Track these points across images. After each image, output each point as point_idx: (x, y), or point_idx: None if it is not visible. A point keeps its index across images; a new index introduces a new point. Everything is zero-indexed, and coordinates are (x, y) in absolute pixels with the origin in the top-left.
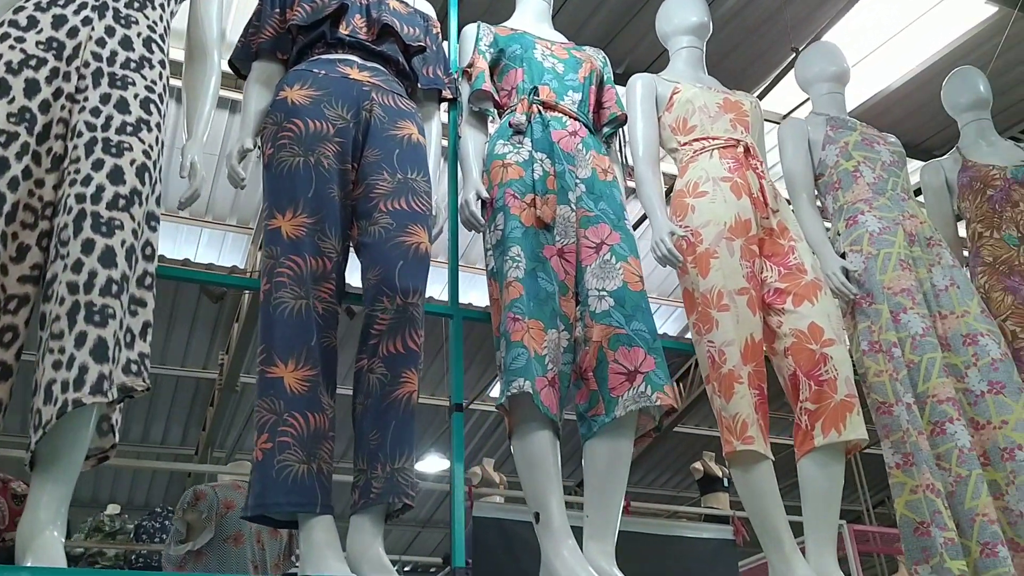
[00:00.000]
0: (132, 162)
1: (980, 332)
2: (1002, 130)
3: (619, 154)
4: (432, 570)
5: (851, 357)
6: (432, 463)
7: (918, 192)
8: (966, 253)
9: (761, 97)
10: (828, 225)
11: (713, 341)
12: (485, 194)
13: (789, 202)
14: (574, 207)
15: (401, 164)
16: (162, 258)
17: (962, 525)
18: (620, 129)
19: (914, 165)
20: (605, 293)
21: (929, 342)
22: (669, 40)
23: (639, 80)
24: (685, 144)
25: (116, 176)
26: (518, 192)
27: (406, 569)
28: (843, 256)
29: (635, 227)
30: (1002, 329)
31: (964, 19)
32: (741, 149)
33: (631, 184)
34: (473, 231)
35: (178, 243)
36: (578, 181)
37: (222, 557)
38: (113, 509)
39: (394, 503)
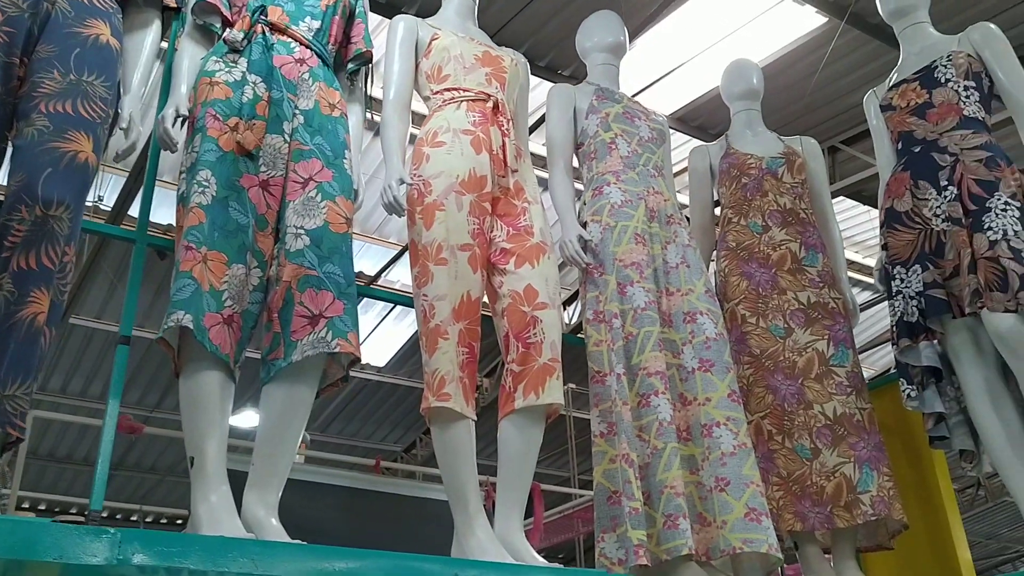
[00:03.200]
0: None
1: (700, 311)
2: (826, 138)
3: (363, 93)
4: (179, 521)
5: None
6: (247, 418)
7: None
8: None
9: None
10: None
11: (427, 295)
12: (184, 111)
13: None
14: (288, 138)
15: (78, 64)
16: None
17: (652, 496)
18: (367, 67)
19: None
20: (303, 231)
21: (649, 316)
22: None
23: (401, 22)
24: (436, 92)
25: None
26: (220, 113)
27: (148, 520)
28: (585, 226)
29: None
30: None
31: (794, 27)
32: (491, 104)
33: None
34: (168, 151)
35: None
36: (297, 112)
37: None
38: None
39: (6, 435)
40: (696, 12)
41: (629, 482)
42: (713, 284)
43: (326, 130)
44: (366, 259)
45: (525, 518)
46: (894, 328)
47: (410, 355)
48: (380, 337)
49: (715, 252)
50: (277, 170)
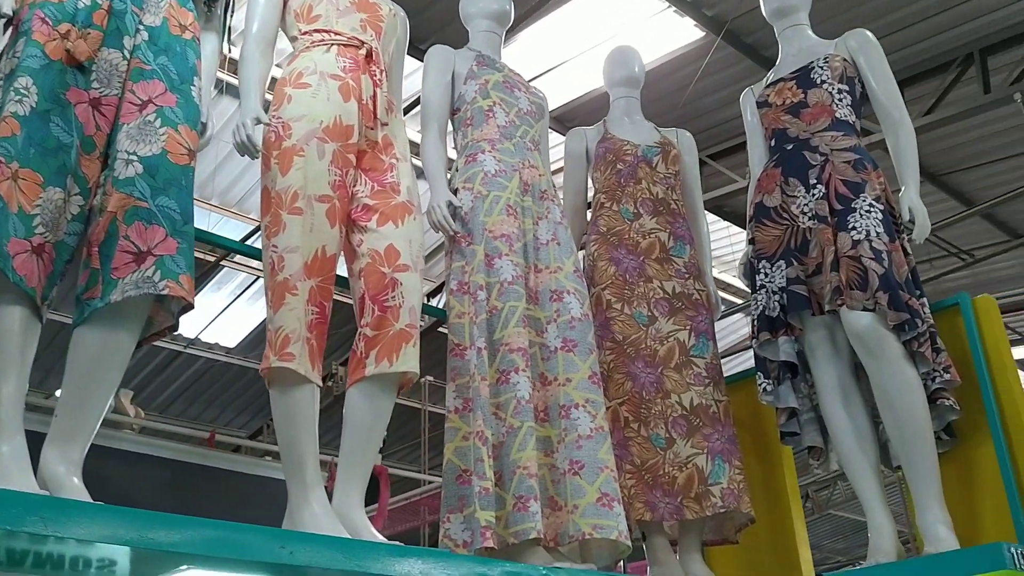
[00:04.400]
0: None
1: (567, 290)
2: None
3: (222, 24)
4: None
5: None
6: None
7: None
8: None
9: None
10: None
11: (276, 246)
12: (8, 11)
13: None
14: (128, 55)
15: None
16: None
17: (504, 476)
18: None
19: None
20: (136, 158)
21: (515, 291)
22: None
23: None
24: (305, 33)
25: None
26: (50, 17)
27: None
28: (455, 193)
29: None
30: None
31: (673, 38)
32: (364, 52)
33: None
34: None
35: None
36: (141, 27)
37: None
38: None
39: None
40: (577, 13)
41: (481, 460)
42: (582, 265)
43: (173, 51)
44: (223, 233)
45: (368, 504)
46: (755, 321)
47: (262, 338)
48: (231, 317)
49: (585, 236)
50: (112, 88)
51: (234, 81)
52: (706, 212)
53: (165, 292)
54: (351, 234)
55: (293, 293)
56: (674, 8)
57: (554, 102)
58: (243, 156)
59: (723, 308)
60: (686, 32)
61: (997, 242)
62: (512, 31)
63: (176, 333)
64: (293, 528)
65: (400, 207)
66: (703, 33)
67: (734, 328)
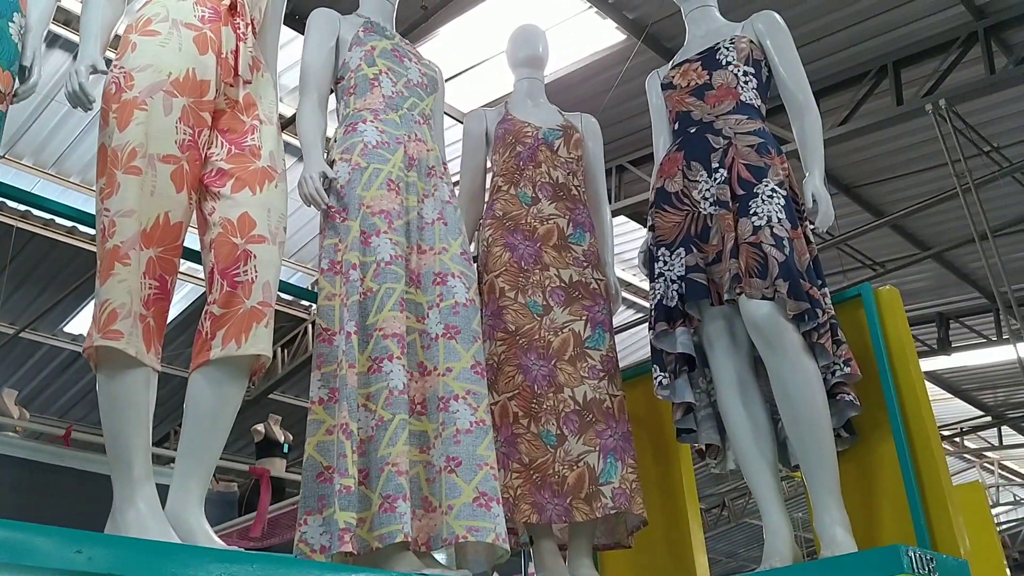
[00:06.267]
0: None
1: (452, 273)
2: (614, 157)
3: None
4: None
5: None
6: None
7: None
8: None
9: None
10: None
11: (109, 209)
12: None
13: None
14: None
15: None
16: None
17: (371, 474)
18: None
19: None
20: None
21: (393, 272)
22: None
23: None
24: None
25: None
26: None
27: None
28: (332, 165)
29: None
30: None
31: (594, 40)
32: (227, 2)
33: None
34: None
35: None
36: None
37: None
38: None
39: None
40: (497, 11)
41: (344, 456)
42: (470, 246)
43: None
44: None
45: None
46: (652, 311)
47: (172, 337)
48: None
49: (481, 220)
50: None
51: (64, 32)
52: (627, 219)
53: None
54: (203, 202)
55: (124, 263)
56: (595, 9)
57: (471, 103)
58: (75, 108)
59: (632, 313)
60: (607, 34)
61: (908, 254)
62: (430, 28)
63: (77, 334)
64: (115, 531)
65: (259, 172)
66: (624, 36)
67: (630, 351)
